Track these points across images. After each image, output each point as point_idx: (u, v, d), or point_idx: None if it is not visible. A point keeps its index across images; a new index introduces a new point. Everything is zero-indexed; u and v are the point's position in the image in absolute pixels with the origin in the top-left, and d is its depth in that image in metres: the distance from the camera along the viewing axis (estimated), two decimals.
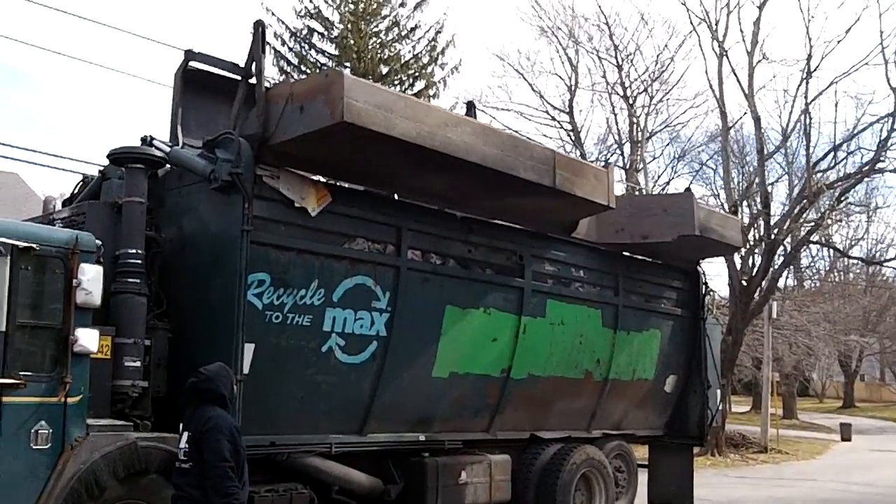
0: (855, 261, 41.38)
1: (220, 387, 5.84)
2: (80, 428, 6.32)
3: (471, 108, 10.57)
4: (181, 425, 5.91)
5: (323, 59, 26.35)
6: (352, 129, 6.96)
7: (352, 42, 25.90)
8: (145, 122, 64.02)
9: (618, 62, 30.30)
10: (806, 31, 34.46)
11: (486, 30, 60.77)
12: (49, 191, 25.34)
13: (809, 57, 24.76)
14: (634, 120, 30.79)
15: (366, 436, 8.38)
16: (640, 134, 30.90)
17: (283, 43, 26.36)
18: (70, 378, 6.20)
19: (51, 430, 6.14)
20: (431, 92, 26.30)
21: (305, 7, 26.52)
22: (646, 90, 30.68)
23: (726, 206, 26.76)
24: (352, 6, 26.38)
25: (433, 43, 26.90)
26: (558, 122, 31.44)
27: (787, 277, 37.14)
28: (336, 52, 26.29)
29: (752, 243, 28.24)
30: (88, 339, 6.32)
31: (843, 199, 26.80)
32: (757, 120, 25.97)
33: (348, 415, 8.24)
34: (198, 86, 8.50)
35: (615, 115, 31.37)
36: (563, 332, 10.21)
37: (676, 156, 34.04)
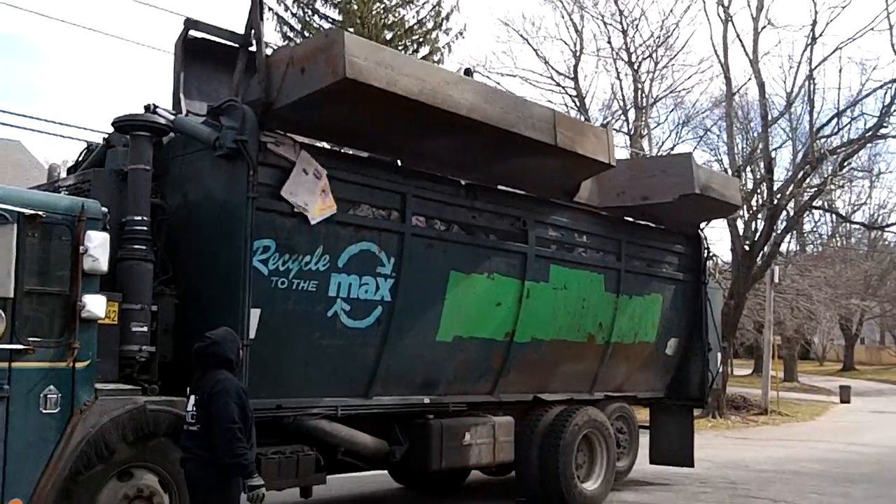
0: (857, 226, 41.47)
1: (226, 351, 5.91)
2: (89, 392, 6.40)
3: (468, 74, 10.53)
4: (189, 389, 6.00)
5: (326, 25, 26.09)
6: (354, 87, 6.94)
7: (355, 7, 25.65)
8: (147, 91, 63.65)
9: (623, 27, 30.03)
10: None
11: None
12: (51, 159, 25.38)
13: (814, 23, 24.61)
14: (639, 86, 30.56)
15: (371, 399, 8.48)
16: (644, 100, 30.71)
17: (287, 8, 26.13)
18: (78, 343, 6.28)
19: (60, 395, 6.22)
20: (436, 58, 26.08)
21: None
22: (651, 56, 30.43)
23: (730, 172, 26.70)
24: None
25: (437, 8, 26.65)
26: (563, 87, 31.22)
27: (789, 242, 37.25)
28: (339, 18, 26.05)
29: (755, 208, 28.25)
30: (96, 305, 6.39)
31: (845, 164, 26.76)
32: (761, 86, 25.85)
33: (354, 378, 8.34)
34: (199, 55, 8.50)
35: (620, 80, 31.15)
36: (566, 297, 10.28)
37: (681, 122, 33.89)
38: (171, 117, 7.83)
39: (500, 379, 9.75)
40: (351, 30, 24.89)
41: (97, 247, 6.39)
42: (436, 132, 8.13)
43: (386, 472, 10.68)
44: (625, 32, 30.11)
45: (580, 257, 10.58)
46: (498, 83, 28.59)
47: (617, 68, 31.09)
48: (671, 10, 34.32)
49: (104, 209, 6.65)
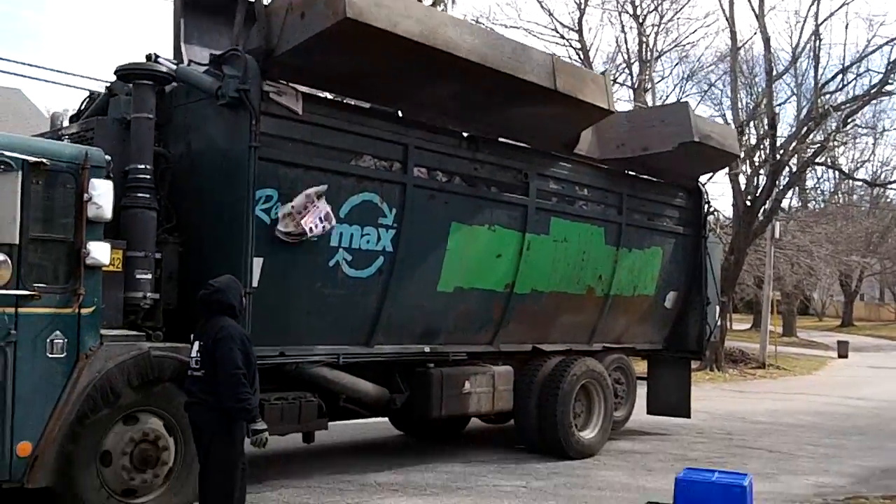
0: (859, 183, 41.41)
1: (229, 298, 5.98)
2: (94, 338, 6.51)
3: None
4: (193, 335, 6.09)
5: None
6: (355, 27, 6.94)
7: None
8: (147, 41, 63.08)
9: None
10: None
11: None
12: (52, 107, 25.24)
13: None
14: (643, 39, 30.30)
15: (373, 347, 8.60)
16: (648, 54, 30.47)
17: None
18: (83, 290, 6.36)
19: (66, 340, 6.33)
20: (440, 8, 25.84)
21: None
22: (656, 9, 30.08)
23: (733, 127, 26.57)
24: None
25: None
26: (567, 40, 30.89)
27: (791, 198, 37.19)
28: None
29: (757, 164, 28.18)
30: (100, 252, 6.46)
31: (849, 121, 26.66)
32: (766, 40, 25.67)
33: (355, 327, 8.44)
34: (198, 5, 8.48)
35: (624, 34, 30.88)
36: (567, 250, 10.35)
37: (685, 76, 33.65)
38: (174, 67, 7.82)
39: (499, 329, 9.86)
40: None
41: (101, 194, 6.44)
42: (436, 76, 8.11)
43: (387, 419, 10.87)
44: None
45: (581, 210, 10.62)
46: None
47: (622, 21, 30.86)
48: None
49: (108, 157, 6.69)
